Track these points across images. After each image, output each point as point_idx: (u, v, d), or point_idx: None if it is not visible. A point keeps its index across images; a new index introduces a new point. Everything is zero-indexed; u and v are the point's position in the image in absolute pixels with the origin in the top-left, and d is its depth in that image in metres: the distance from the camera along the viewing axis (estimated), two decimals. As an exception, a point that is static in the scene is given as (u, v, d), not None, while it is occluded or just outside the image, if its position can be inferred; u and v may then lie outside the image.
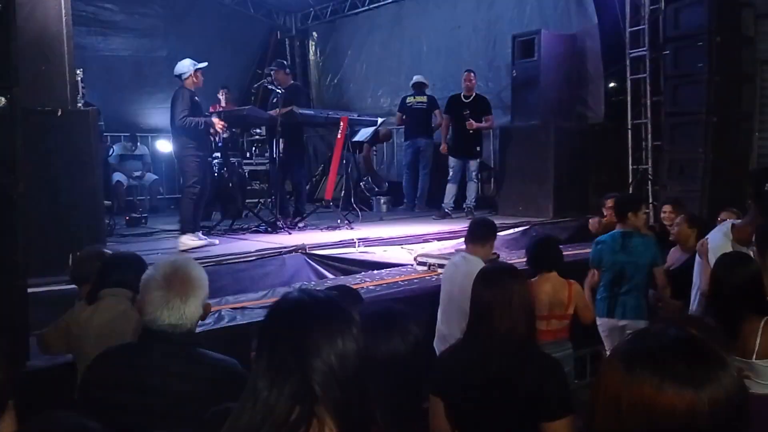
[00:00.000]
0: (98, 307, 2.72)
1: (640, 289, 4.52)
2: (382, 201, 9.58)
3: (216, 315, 4.14)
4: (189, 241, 6.01)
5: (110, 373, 2.04)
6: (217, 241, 6.25)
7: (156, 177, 9.99)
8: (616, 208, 4.80)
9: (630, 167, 8.03)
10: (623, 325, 4.48)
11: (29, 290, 3.48)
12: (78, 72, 5.09)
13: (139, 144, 9.96)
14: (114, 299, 2.73)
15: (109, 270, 2.84)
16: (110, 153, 9.18)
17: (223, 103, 9.67)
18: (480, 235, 4.18)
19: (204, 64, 6.32)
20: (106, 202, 5.94)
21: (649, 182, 7.87)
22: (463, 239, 6.56)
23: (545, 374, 2.25)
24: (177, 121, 6.07)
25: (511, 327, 2.31)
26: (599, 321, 4.59)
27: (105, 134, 8.43)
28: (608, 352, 4.64)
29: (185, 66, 6.22)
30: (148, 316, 2.06)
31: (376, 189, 9.93)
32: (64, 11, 4.72)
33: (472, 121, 8.06)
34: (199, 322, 2.20)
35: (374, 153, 10.76)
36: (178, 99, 6.11)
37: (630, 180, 7.99)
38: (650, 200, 7.75)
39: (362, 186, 9.58)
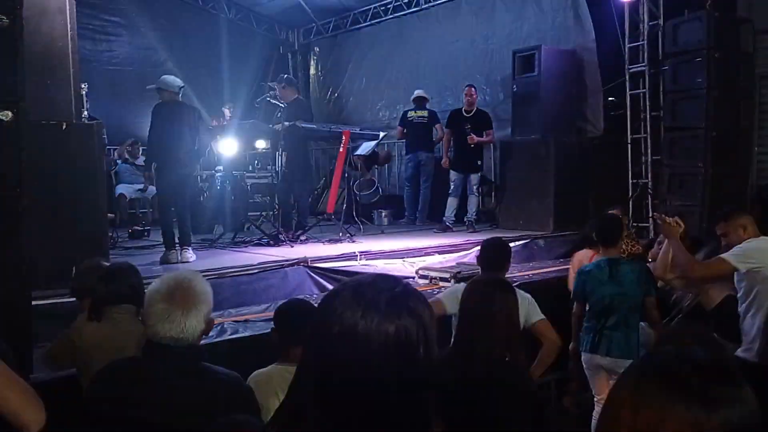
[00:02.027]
0: (103, 323, 2.73)
1: (629, 323, 4.04)
2: (383, 214, 9.60)
3: (218, 328, 4.15)
4: (192, 255, 6.09)
5: (113, 387, 2.05)
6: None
7: (158, 190, 10.00)
8: (604, 232, 4.29)
9: (630, 181, 8.06)
10: (608, 363, 4.05)
11: (33, 303, 3.50)
12: (83, 86, 5.13)
13: (140, 155, 9.97)
14: (118, 316, 2.74)
15: (106, 284, 2.84)
16: (113, 166, 9.21)
17: (227, 117, 9.73)
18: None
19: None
20: (109, 214, 5.95)
21: (649, 196, 7.89)
22: (464, 252, 6.66)
23: (510, 406, 2.22)
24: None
25: (492, 342, 2.34)
26: (583, 356, 4.21)
27: (108, 147, 8.47)
28: (593, 391, 4.25)
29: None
30: (150, 329, 2.07)
31: (366, 192, 9.79)
32: (69, 26, 4.76)
33: (473, 135, 8.11)
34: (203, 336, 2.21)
35: (376, 167, 10.78)
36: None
37: (630, 194, 8.01)
38: (650, 214, 7.78)
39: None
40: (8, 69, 3.18)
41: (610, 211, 5.80)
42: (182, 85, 6.23)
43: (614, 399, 0.93)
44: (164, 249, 6.03)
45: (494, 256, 3.89)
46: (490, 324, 2.36)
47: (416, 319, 1.03)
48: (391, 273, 5.72)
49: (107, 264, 3.32)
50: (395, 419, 1.01)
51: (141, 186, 9.66)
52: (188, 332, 2.06)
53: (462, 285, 3.65)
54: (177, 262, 5.85)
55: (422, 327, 1.03)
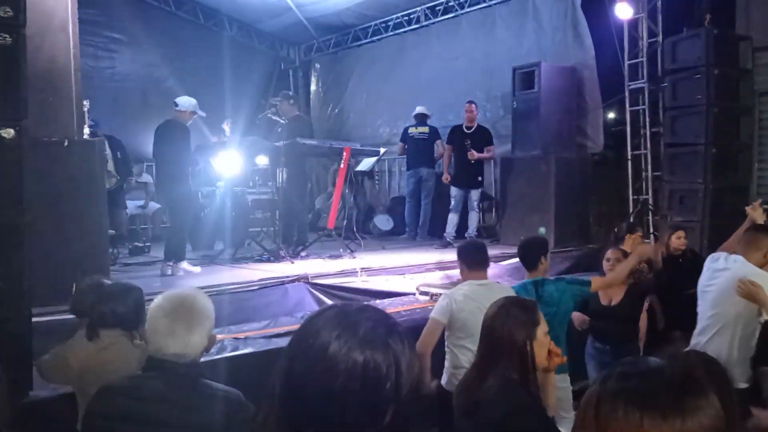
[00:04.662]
0: (99, 346, 2.71)
1: (560, 341, 3.80)
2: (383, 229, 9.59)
3: (218, 345, 4.13)
4: (191, 267, 6.26)
5: (114, 405, 2.03)
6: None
7: (159, 206, 10.02)
8: (527, 253, 4.17)
9: (630, 197, 8.08)
10: None
11: (33, 319, 3.49)
12: (85, 103, 5.16)
13: (144, 172, 10.00)
14: (111, 339, 2.71)
15: (103, 305, 2.79)
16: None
17: (227, 134, 9.75)
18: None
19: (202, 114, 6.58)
20: (110, 231, 5.98)
21: (650, 212, 7.90)
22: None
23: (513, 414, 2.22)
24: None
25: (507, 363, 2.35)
26: None
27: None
28: None
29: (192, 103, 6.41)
30: (153, 345, 2.07)
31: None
32: (72, 43, 4.78)
33: (473, 151, 8.13)
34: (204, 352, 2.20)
35: (376, 181, 10.81)
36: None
37: (630, 210, 8.03)
38: (651, 230, 7.79)
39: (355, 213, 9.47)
40: (11, 87, 3.20)
41: (616, 228, 5.78)
42: (174, 100, 6.45)
43: (583, 419, 0.98)
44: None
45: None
46: (503, 345, 2.38)
47: (390, 357, 1.03)
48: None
49: (108, 283, 3.28)
50: None
51: (142, 202, 9.70)
52: (191, 348, 2.07)
53: (448, 293, 3.81)
54: (169, 275, 6.10)
55: (395, 366, 1.03)
